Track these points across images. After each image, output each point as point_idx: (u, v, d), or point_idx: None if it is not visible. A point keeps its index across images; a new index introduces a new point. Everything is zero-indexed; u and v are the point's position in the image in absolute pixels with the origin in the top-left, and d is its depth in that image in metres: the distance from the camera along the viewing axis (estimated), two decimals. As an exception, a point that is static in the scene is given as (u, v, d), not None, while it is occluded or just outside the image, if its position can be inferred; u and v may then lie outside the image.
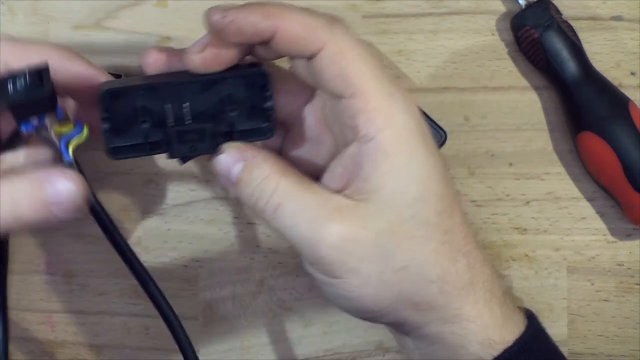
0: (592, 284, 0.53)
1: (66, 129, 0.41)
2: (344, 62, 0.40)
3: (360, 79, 0.40)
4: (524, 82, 0.53)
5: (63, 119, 0.41)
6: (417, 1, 0.52)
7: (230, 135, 0.42)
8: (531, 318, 0.44)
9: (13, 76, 0.39)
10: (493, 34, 0.52)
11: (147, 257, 0.52)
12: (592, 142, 0.50)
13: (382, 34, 0.52)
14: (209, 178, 0.52)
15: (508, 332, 0.42)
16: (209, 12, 0.40)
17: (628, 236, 0.53)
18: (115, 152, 0.42)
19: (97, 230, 0.51)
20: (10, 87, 0.39)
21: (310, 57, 0.40)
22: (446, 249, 0.41)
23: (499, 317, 0.42)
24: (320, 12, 0.41)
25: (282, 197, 0.40)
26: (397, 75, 0.52)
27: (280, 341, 0.53)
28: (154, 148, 0.42)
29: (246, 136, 0.42)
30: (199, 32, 0.52)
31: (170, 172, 0.52)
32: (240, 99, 0.42)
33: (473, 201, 0.53)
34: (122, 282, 0.52)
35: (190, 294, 0.52)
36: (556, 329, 0.53)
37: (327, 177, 0.42)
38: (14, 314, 0.52)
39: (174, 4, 0.52)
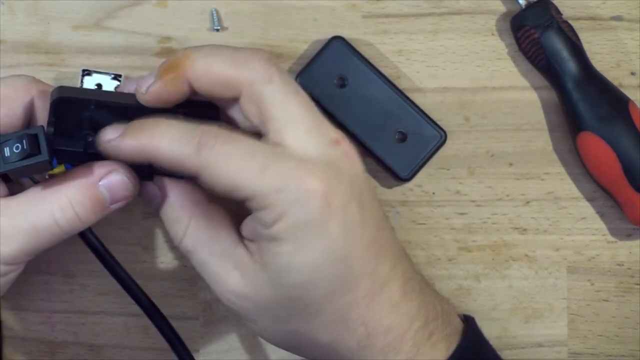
0: (592, 284, 0.53)
1: (58, 170, 0.42)
2: (221, 181, 0.41)
3: (242, 189, 0.40)
4: (524, 82, 0.53)
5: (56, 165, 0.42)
6: (417, 1, 0.52)
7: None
8: (461, 344, 0.44)
9: (7, 140, 0.40)
10: (493, 34, 0.52)
11: (147, 257, 0.52)
12: (592, 142, 0.50)
13: (382, 34, 0.52)
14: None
15: None
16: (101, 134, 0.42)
17: (628, 236, 0.53)
18: (55, 155, 0.42)
19: (97, 230, 0.51)
20: (6, 152, 0.40)
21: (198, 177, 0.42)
22: (340, 322, 0.42)
23: None
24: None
25: (189, 245, 0.43)
26: (397, 75, 0.52)
27: (280, 341, 0.53)
28: (91, 159, 0.43)
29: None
30: (199, 32, 0.52)
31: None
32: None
33: (473, 201, 0.53)
34: (122, 282, 0.52)
35: (190, 294, 0.52)
36: (556, 329, 0.53)
37: (247, 223, 0.43)
38: (14, 314, 0.52)
39: (174, 4, 0.52)
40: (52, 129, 0.42)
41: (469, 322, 0.46)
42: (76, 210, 0.42)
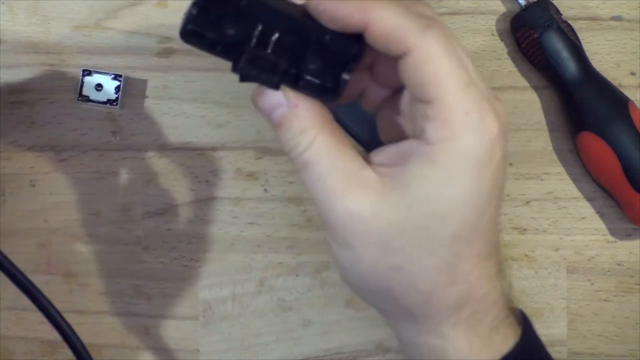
0: (592, 284, 0.53)
1: None
2: (426, 70, 0.40)
3: (439, 90, 0.40)
4: (523, 82, 0.53)
5: None
6: (417, 1, 0.52)
7: (297, 82, 0.42)
8: (525, 331, 0.44)
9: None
10: (493, 34, 0.52)
11: (147, 257, 0.52)
12: (592, 142, 0.50)
13: (382, 34, 0.52)
14: (209, 178, 0.52)
15: (489, 354, 0.42)
16: None
17: (628, 236, 0.53)
18: (189, 34, 0.41)
19: (97, 230, 0.51)
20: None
21: (397, 58, 0.40)
22: (448, 271, 0.41)
23: (477, 343, 0.42)
24: (421, 9, 0.41)
25: (312, 156, 0.41)
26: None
27: (280, 341, 0.53)
28: (224, 51, 0.42)
29: (310, 89, 0.42)
30: (199, 32, 0.52)
31: (171, 172, 0.52)
32: (326, 56, 0.42)
33: (473, 201, 0.53)
34: (122, 282, 0.52)
35: (190, 294, 0.52)
36: (556, 329, 0.53)
37: (387, 149, 0.42)
38: (14, 314, 0.52)
39: (174, 4, 0.52)
40: (195, 11, 0.40)
41: (522, 314, 0.46)
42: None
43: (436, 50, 0.40)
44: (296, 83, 0.42)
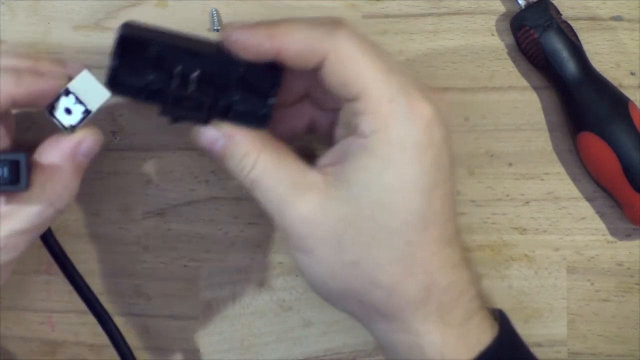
0: (592, 284, 0.53)
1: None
2: (345, 68, 0.41)
3: (362, 84, 0.41)
4: (523, 82, 0.53)
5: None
6: (417, 1, 0.52)
7: (226, 114, 0.44)
8: (502, 328, 0.44)
9: None
10: (493, 34, 0.53)
11: (147, 257, 0.52)
12: (592, 142, 0.50)
13: (382, 34, 0.52)
14: (209, 178, 0.52)
15: (466, 350, 0.42)
16: (224, 27, 0.43)
17: (628, 236, 0.53)
18: (114, 86, 0.43)
19: (97, 230, 0.51)
20: None
21: (316, 68, 0.41)
22: (405, 261, 0.41)
23: (452, 337, 0.42)
24: (323, 18, 0.42)
25: (257, 175, 0.43)
26: (397, 75, 0.52)
27: (280, 341, 0.53)
28: (150, 97, 0.43)
29: (240, 119, 0.44)
30: (199, 32, 0.52)
31: (171, 172, 0.52)
32: (248, 86, 0.43)
33: (473, 201, 0.53)
34: (122, 282, 0.52)
35: (190, 294, 0.52)
36: (556, 329, 0.53)
37: (330, 151, 0.43)
38: (14, 314, 0.52)
39: (174, 4, 0.52)
40: (117, 62, 0.42)
41: (500, 312, 0.46)
42: (69, 188, 0.43)
43: (349, 48, 0.41)
44: (226, 115, 0.43)
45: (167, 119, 0.44)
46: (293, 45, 0.41)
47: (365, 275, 0.42)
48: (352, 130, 0.42)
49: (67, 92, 0.43)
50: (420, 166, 0.41)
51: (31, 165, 0.42)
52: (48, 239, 0.47)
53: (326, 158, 0.43)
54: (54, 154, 0.43)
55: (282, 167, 0.43)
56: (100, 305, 0.48)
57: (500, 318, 0.45)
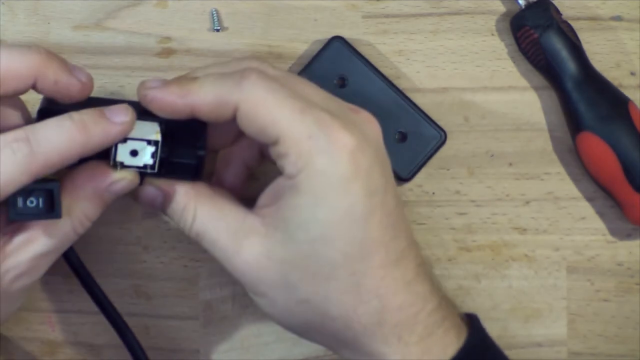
0: (592, 284, 0.53)
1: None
2: (258, 116, 0.41)
3: (278, 127, 0.41)
4: (523, 82, 0.53)
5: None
6: (417, 1, 0.52)
7: (160, 170, 0.44)
8: (471, 335, 0.44)
9: (25, 192, 0.40)
10: (493, 34, 0.53)
11: (147, 257, 0.52)
12: (592, 142, 0.50)
13: (382, 34, 0.52)
14: (209, 178, 0.52)
15: None
16: (138, 86, 0.43)
17: (628, 236, 0.53)
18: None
19: (97, 230, 0.51)
20: (20, 202, 0.40)
21: (231, 119, 0.42)
22: (353, 291, 0.42)
23: (414, 354, 0.42)
24: (232, 69, 0.43)
25: (199, 227, 0.44)
26: (397, 75, 0.52)
27: (280, 341, 0.53)
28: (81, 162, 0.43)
29: (174, 174, 0.44)
30: (199, 32, 0.52)
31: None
32: (174, 141, 0.44)
33: (473, 201, 0.53)
34: (122, 282, 0.52)
35: (190, 294, 0.52)
36: (556, 329, 0.53)
37: (265, 192, 0.44)
38: (14, 314, 0.52)
39: (174, 4, 0.52)
40: None
41: (472, 318, 0.46)
42: (90, 217, 0.44)
43: (258, 94, 0.41)
44: (159, 171, 0.44)
45: None
46: (205, 101, 0.42)
47: (318, 310, 0.42)
48: (281, 171, 0.42)
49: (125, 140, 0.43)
50: (350, 197, 0.41)
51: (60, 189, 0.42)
52: (70, 256, 0.48)
53: (263, 198, 0.43)
54: (88, 185, 0.43)
55: (221, 216, 0.43)
56: (121, 318, 0.49)
57: (471, 325, 0.45)
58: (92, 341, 0.52)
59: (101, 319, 0.50)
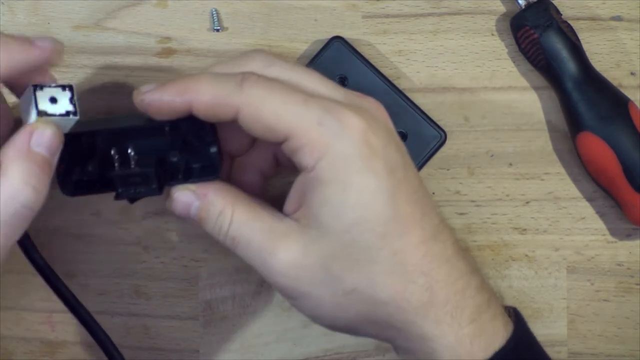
0: (592, 284, 0.53)
1: None
2: (263, 117, 0.41)
3: (285, 122, 0.41)
4: (523, 82, 0.53)
5: None
6: (417, 1, 0.52)
7: (177, 176, 0.44)
8: (517, 327, 0.44)
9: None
10: (493, 34, 0.53)
11: (147, 257, 0.52)
12: (592, 142, 0.50)
13: (382, 34, 0.52)
14: (209, 178, 0.52)
15: (480, 349, 0.42)
16: (134, 94, 0.42)
17: (628, 236, 0.53)
18: (68, 189, 0.43)
19: (97, 230, 0.51)
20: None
21: (234, 120, 0.42)
22: (398, 270, 0.41)
23: (466, 336, 0.42)
24: (231, 71, 0.42)
25: (235, 231, 0.43)
26: (397, 75, 0.52)
27: (280, 341, 0.53)
28: (105, 186, 0.44)
29: (192, 177, 0.44)
30: (199, 32, 0.52)
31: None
32: (185, 144, 0.44)
33: (473, 201, 0.53)
34: (122, 282, 0.52)
35: (190, 294, 0.52)
36: (556, 329, 0.53)
37: (289, 198, 0.43)
38: (14, 314, 0.52)
39: (174, 4, 0.52)
40: (62, 167, 0.42)
41: (515, 310, 0.45)
42: (29, 182, 0.39)
43: (258, 95, 0.41)
44: (177, 177, 0.44)
45: (127, 201, 0.44)
46: (203, 98, 0.41)
47: (367, 297, 0.41)
48: (299, 168, 0.42)
49: (64, 87, 0.42)
50: (374, 174, 0.40)
51: None
52: (25, 245, 0.47)
53: (288, 204, 0.43)
54: (14, 145, 0.40)
55: (257, 217, 0.43)
56: (83, 307, 0.48)
57: (515, 316, 0.45)
58: (92, 341, 0.52)
59: (101, 319, 0.50)
